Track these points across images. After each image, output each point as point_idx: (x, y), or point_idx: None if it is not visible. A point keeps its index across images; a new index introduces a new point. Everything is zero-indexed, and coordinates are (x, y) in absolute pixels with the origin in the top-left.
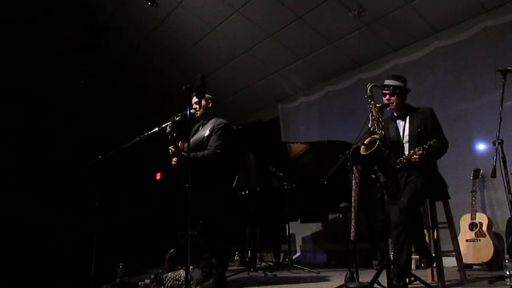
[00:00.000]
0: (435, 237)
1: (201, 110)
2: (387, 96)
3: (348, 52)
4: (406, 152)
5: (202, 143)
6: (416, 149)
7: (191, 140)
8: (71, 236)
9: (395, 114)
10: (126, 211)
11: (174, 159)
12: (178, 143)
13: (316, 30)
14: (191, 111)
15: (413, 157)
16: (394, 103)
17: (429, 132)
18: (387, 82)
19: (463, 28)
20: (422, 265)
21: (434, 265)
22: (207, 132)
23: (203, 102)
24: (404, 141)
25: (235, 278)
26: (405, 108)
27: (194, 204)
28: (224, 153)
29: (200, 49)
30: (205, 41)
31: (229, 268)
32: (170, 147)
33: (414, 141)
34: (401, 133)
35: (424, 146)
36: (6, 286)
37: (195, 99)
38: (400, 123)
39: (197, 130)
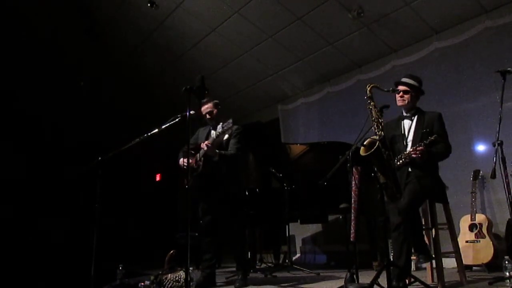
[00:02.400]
0: (435, 238)
1: (215, 117)
2: (401, 93)
3: (348, 53)
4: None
5: (222, 146)
6: (417, 145)
7: (210, 141)
8: (71, 237)
9: (404, 114)
10: (126, 212)
11: (185, 160)
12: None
13: (315, 31)
14: (192, 112)
15: (413, 154)
16: (407, 101)
17: (434, 135)
18: (403, 79)
19: (462, 29)
20: (421, 260)
21: (434, 266)
22: (225, 136)
23: (215, 110)
24: (408, 140)
25: (235, 279)
26: (415, 109)
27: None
28: (242, 154)
29: (200, 50)
30: (204, 42)
31: (229, 269)
32: (207, 143)
33: (418, 140)
34: (406, 133)
35: (425, 141)
36: (6, 287)
37: (207, 108)
38: (407, 123)
39: (208, 132)
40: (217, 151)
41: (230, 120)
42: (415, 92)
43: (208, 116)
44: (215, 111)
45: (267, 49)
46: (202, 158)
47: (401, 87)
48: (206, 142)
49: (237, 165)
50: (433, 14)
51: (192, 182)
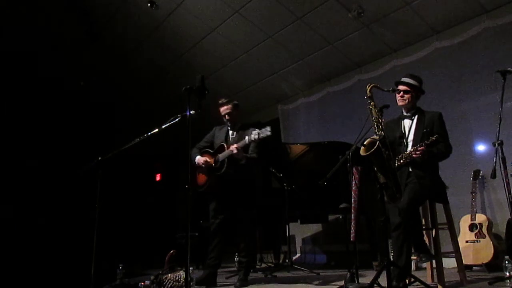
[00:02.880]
0: (435, 238)
1: (234, 119)
2: (401, 93)
3: (348, 53)
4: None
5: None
6: (418, 145)
7: (241, 144)
8: (71, 237)
9: (404, 113)
10: (126, 212)
11: (204, 160)
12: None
13: (315, 31)
14: (192, 112)
15: (413, 154)
16: (407, 101)
17: (434, 135)
18: (404, 79)
19: (462, 29)
20: (423, 259)
21: (434, 265)
22: (247, 139)
23: (234, 111)
24: (408, 140)
25: (236, 279)
26: (415, 109)
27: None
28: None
29: (200, 50)
30: (205, 42)
31: (229, 269)
32: (237, 146)
33: (418, 140)
34: (407, 132)
35: (426, 142)
36: (6, 287)
37: (226, 109)
38: (407, 123)
39: (226, 132)
40: (244, 154)
41: (268, 128)
42: (416, 91)
43: (227, 117)
44: (234, 112)
45: (267, 49)
46: (226, 159)
47: (401, 87)
48: (235, 145)
49: (256, 168)
50: (433, 14)
51: (210, 181)
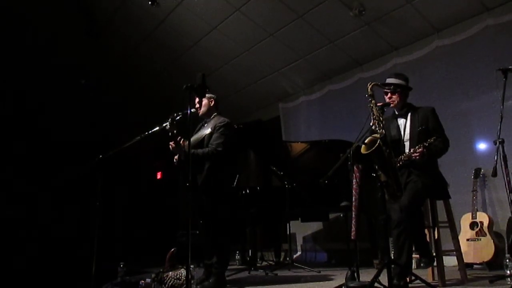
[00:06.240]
0: (436, 236)
1: (203, 109)
2: (389, 95)
3: (349, 51)
4: (407, 151)
5: (203, 141)
6: (417, 147)
7: (192, 138)
8: (71, 235)
9: (396, 113)
10: (127, 210)
11: (176, 158)
12: (180, 140)
13: (316, 29)
14: (193, 110)
15: (413, 155)
16: (396, 101)
17: (430, 131)
18: (389, 80)
19: (464, 27)
20: (422, 264)
21: (435, 264)
22: (208, 130)
23: (204, 101)
24: (405, 140)
25: (236, 277)
26: (406, 106)
27: (194, 203)
28: (224, 151)
29: (201, 48)
30: (205, 40)
31: (230, 267)
32: (170, 143)
33: (415, 139)
34: (402, 132)
35: (424, 144)
36: (6, 286)
37: (197, 99)
38: (401, 122)
39: (199, 129)
40: (183, 149)
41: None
42: (402, 90)
43: (197, 106)
44: (205, 102)
45: (268, 47)
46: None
47: (387, 89)
48: (170, 142)
49: (214, 163)
50: (435, 12)
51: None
